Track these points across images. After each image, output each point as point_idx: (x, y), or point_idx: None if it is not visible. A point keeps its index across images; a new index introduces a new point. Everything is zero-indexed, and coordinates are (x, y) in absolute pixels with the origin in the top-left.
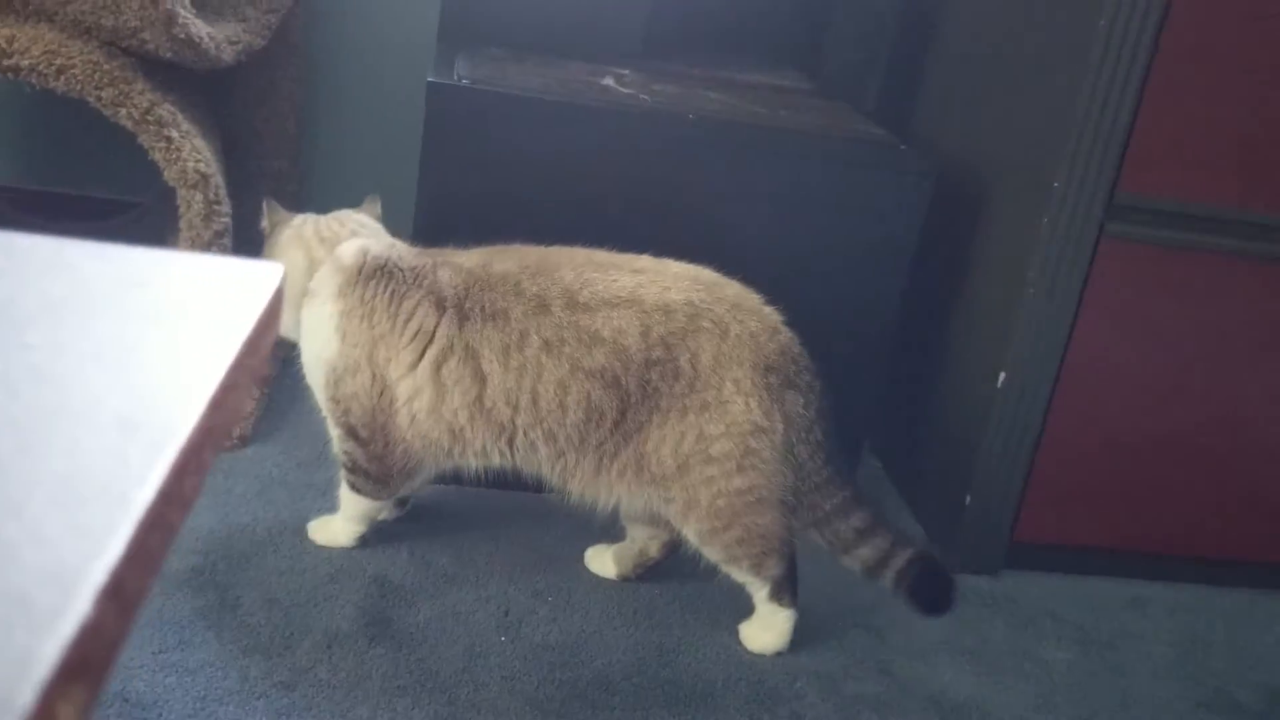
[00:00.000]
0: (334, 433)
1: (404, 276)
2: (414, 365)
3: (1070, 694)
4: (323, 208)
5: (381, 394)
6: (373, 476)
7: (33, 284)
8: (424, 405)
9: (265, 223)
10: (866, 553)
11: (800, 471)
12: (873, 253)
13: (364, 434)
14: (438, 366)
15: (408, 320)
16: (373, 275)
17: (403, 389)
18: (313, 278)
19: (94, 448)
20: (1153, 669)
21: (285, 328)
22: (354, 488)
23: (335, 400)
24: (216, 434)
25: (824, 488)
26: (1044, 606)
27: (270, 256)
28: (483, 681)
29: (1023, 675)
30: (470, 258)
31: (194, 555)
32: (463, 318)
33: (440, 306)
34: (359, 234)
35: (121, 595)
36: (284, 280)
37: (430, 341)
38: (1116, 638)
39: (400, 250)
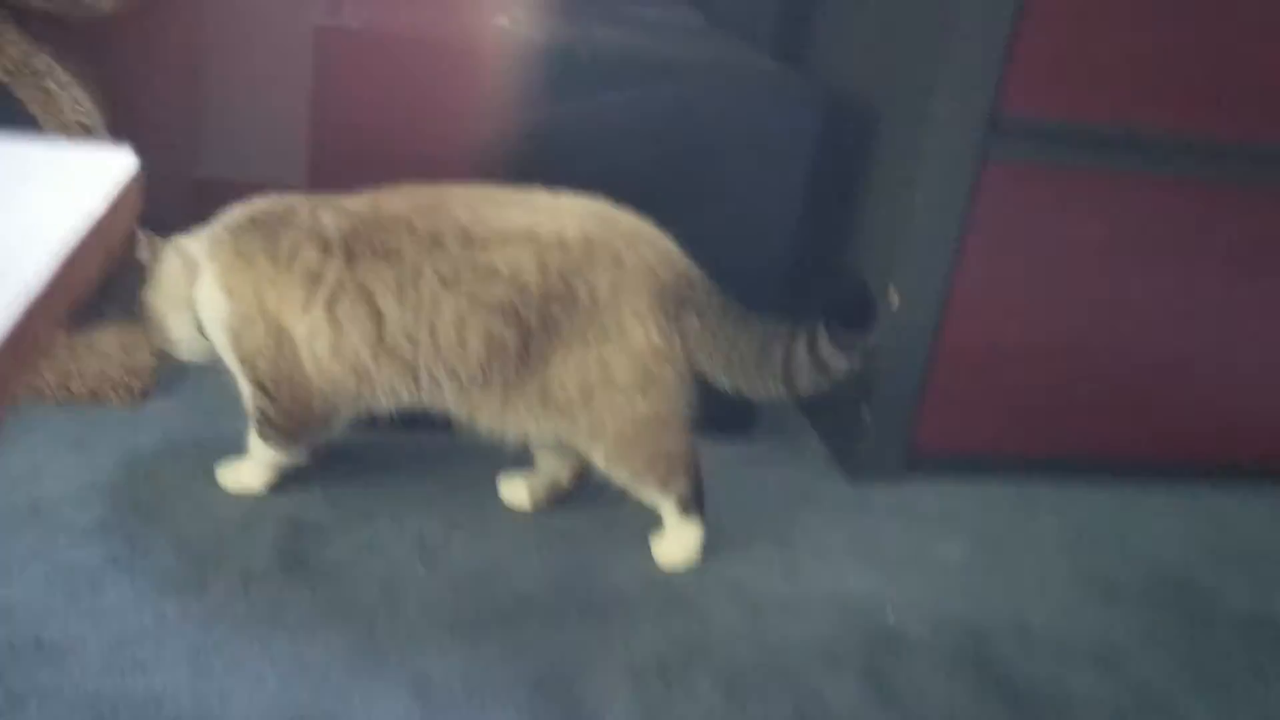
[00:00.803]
0: (246, 390)
1: (277, 219)
2: (306, 305)
3: (965, 587)
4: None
5: (280, 341)
6: (284, 430)
7: None
8: (324, 346)
9: (145, 253)
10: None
11: (734, 368)
12: (766, 182)
13: (272, 389)
14: (330, 306)
15: (290, 260)
16: (243, 227)
17: (300, 331)
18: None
19: None
20: (1041, 561)
21: (186, 342)
22: (266, 440)
23: (242, 360)
24: (67, 292)
25: (760, 360)
26: (941, 510)
27: (152, 284)
28: (402, 610)
29: (920, 572)
30: (356, 200)
31: (100, 505)
32: (351, 256)
33: (325, 247)
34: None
35: None
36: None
37: (319, 281)
38: (1008, 535)
39: (270, 199)
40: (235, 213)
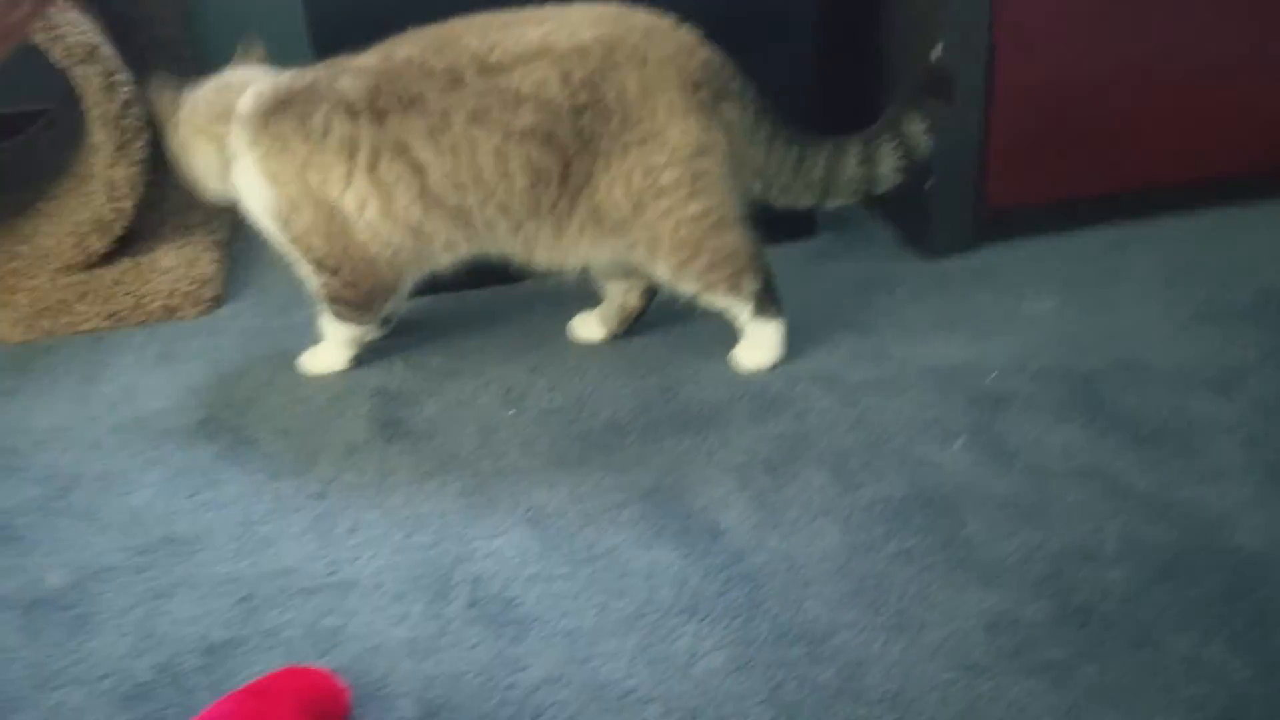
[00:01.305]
0: (306, 270)
1: (303, 97)
2: (348, 176)
3: (1063, 335)
4: (220, 68)
5: (330, 217)
6: (353, 303)
7: None
8: (375, 212)
9: (155, 106)
10: (890, 158)
11: (769, 169)
12: None
13: (332, 264)
14: (371, 170)
15: (324, 135)
16: (272, 110)
17: (349, 203)
18: (227, 148)
19: None
20: (1140, 297)
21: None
22: (339, 316)
23: (295, 241)
24: None
25: (800, 165)
26: (1024, 269)
27: (178, 153)
28: (501, 452)
29: (1014, 332)
30: (369, 57)
31: (199, 410)
32: (379, 116)
33: (353, 113)
34: (250, 86)
35: None
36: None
37: (355, 149)
38: (1100, 279)
39: (291, 76)
40: (262, 89)
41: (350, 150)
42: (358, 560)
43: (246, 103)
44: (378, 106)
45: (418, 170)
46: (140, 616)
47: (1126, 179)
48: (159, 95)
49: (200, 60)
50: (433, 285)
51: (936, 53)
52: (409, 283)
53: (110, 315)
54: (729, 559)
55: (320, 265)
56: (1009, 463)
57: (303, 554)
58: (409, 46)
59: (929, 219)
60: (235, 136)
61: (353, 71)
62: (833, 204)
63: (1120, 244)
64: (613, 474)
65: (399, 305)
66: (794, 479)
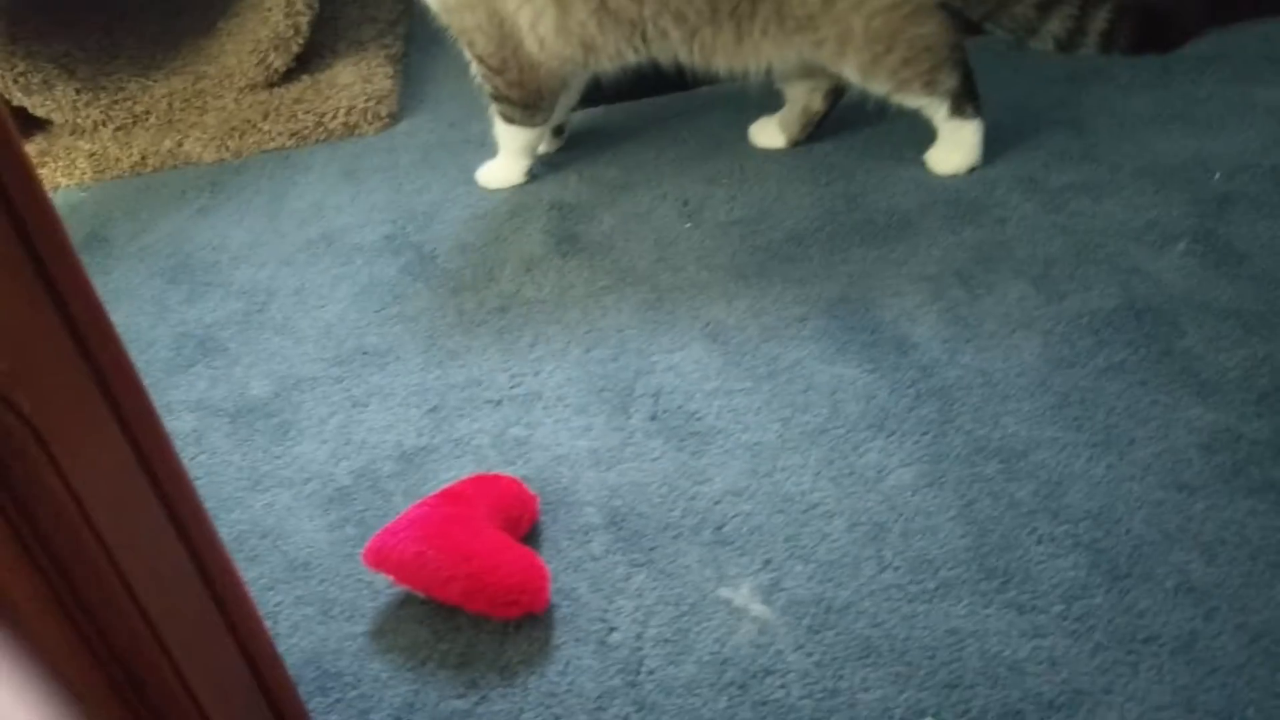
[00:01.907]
0: (472, 62)
1: None
2: None
3: None
4: None
5: (501, 24)
6: (518, 103)
7: None
8: (549, 27)
9: None
10: (1056, 26)
11: None
12: None
13: (496, 64)
14: None
15: None
16: None
17: (524, 16)
18: None
19: None
20: None
21: None
22: (507, 119)
23: (459, 31)
24: None
25: None
26: (1257, 53)
27: None
28: (678, 265)
29: (1243, 124)
30: None
31: (382, 225)
32: None
33: None
34: None
35: None
36: None
37: None
38: None
39: None
40: None
41: None
42: (540, 374)
43: None
44: None
45: None
46: (339, 424)
47: None
48: None
49: None
50: (605, 95)
51: None
52: (574, 87)
53: (294, 134)
54: (920, 373)
55: (483, 63)
56: (1234, 269)
57: (487, 367)
58: None
59: (1148, 13)
60: None
61: None
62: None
63: None
64: (795, 287)
65: (568, 115)
66: (991, 290)
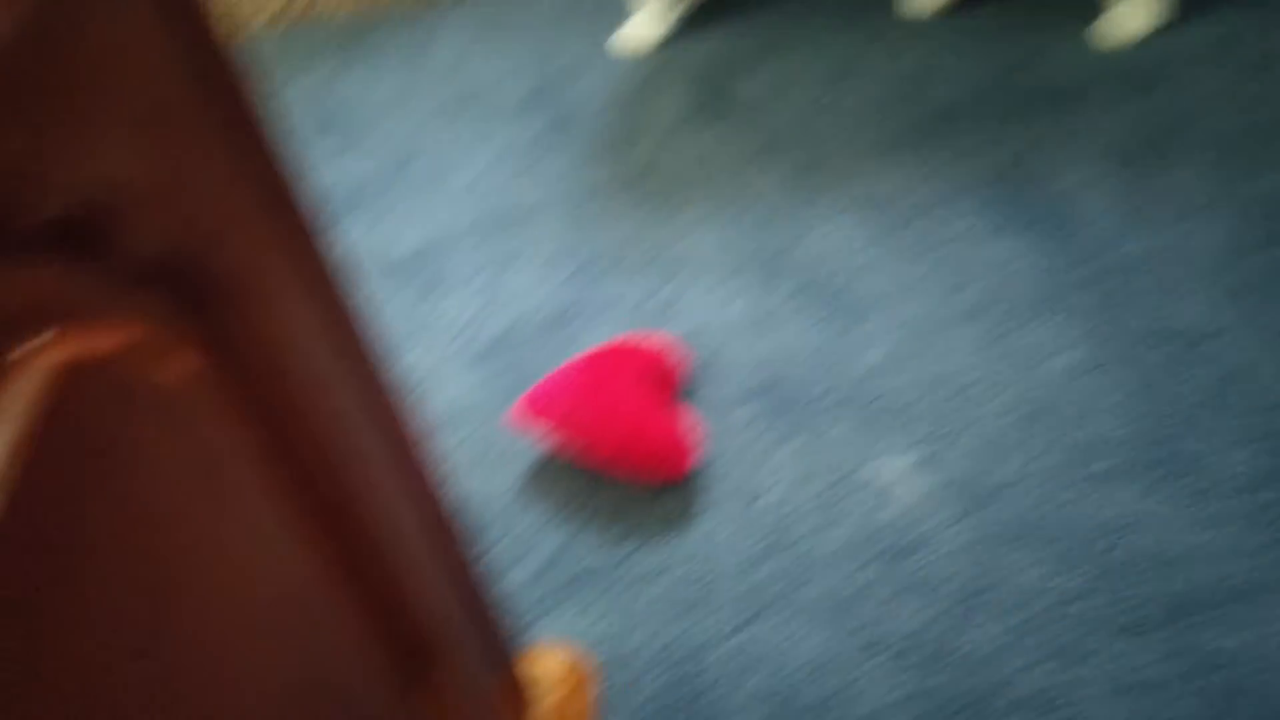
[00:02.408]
0: None
1: None
2: None
3: None
4: None
5: None
6: None
7: None
8: None
9: None
10: None
11: None
12: None
13: None
14: None
15: None
16: None
17: None
18: None
19: None
20: None
21: None
22: None
23: None
24: None
25: None
26: None
27: None
28: (829, 132)
29: None
30: None
31: (520, 84)
32: None
33: None
34: None
35: None
36: None
37: None
38: None
39: None
40: None
41: None
42: (685, 239)
43: None
44: None
45: None
46: (483, 282)
47: None
48: None
49: None
50: None
51: None
52: None
53: None
54: (1087, 252)
55: None
56: None
57: (631, 231)
58: None
59: None
60: None
61: None
62: None
63: None
64: (953, 159)
65: None
66: (1171, 166)
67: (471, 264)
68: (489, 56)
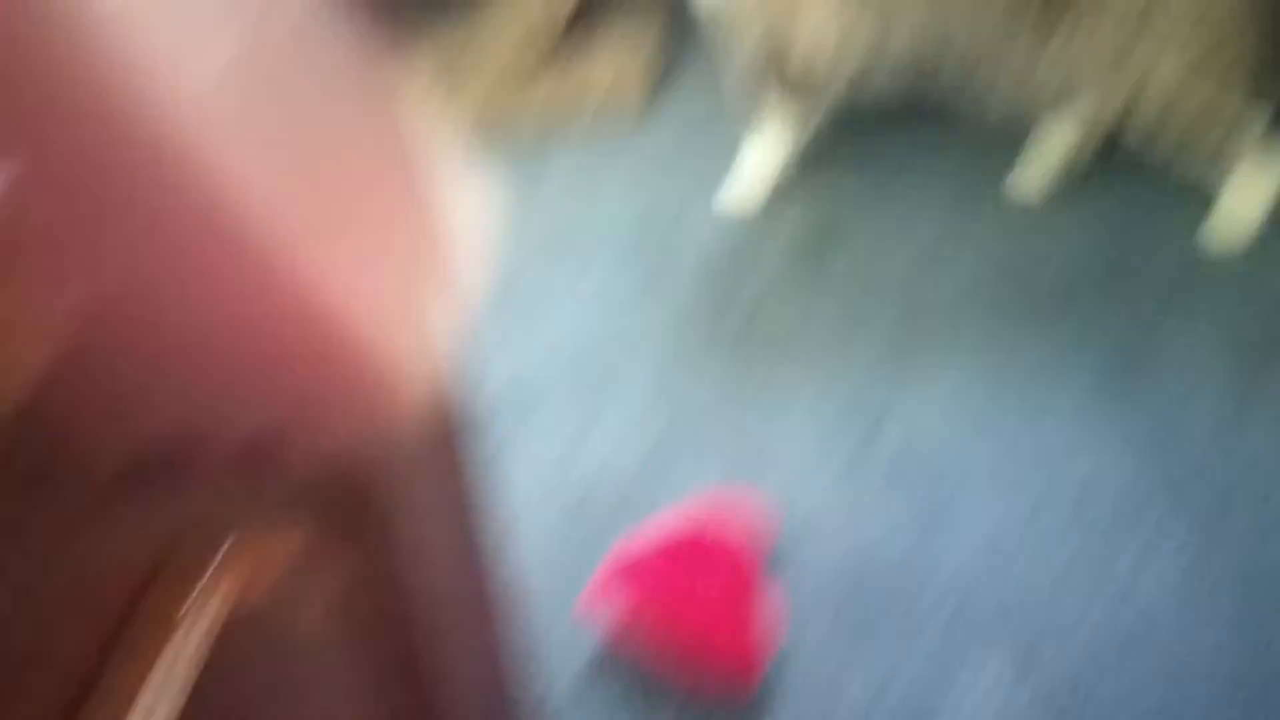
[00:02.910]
0: (739, 51)
1: None
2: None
3: None
4: None
5: (778, 29)
6: (788, 83)
7: None
8: (837, 29)
9: None
10: None
11: None
12: None
13: (771, 45)
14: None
15: None
16: None
17: (818, 14)
18: None
19: None
20: None
21: None
22: (778, 94)
23: (736, 14)
24: None
25: None
26: None
27: None
28: (931, 299)
29: None
30: None
31: (623, 229)
32: None
33: None
34: None
35: None
36: None
37: None
38: None
39: None
40: None
41: None
42: (777, 404)
43: None
44: None
45: None
46: (569, 435)
47: None
48: None
49: None
50: (865, 116)
51: None
52: (842, 85)
53: (547, 113)
54: (1190, 466)
55: (759, 44)
56: None
57: (722, 393)
58: None
59: None
60: None
61: None
62: None
63: None
64: (1058, 344)
65: (820, 133)
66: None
67: (557, 410)
68: (597, 196)
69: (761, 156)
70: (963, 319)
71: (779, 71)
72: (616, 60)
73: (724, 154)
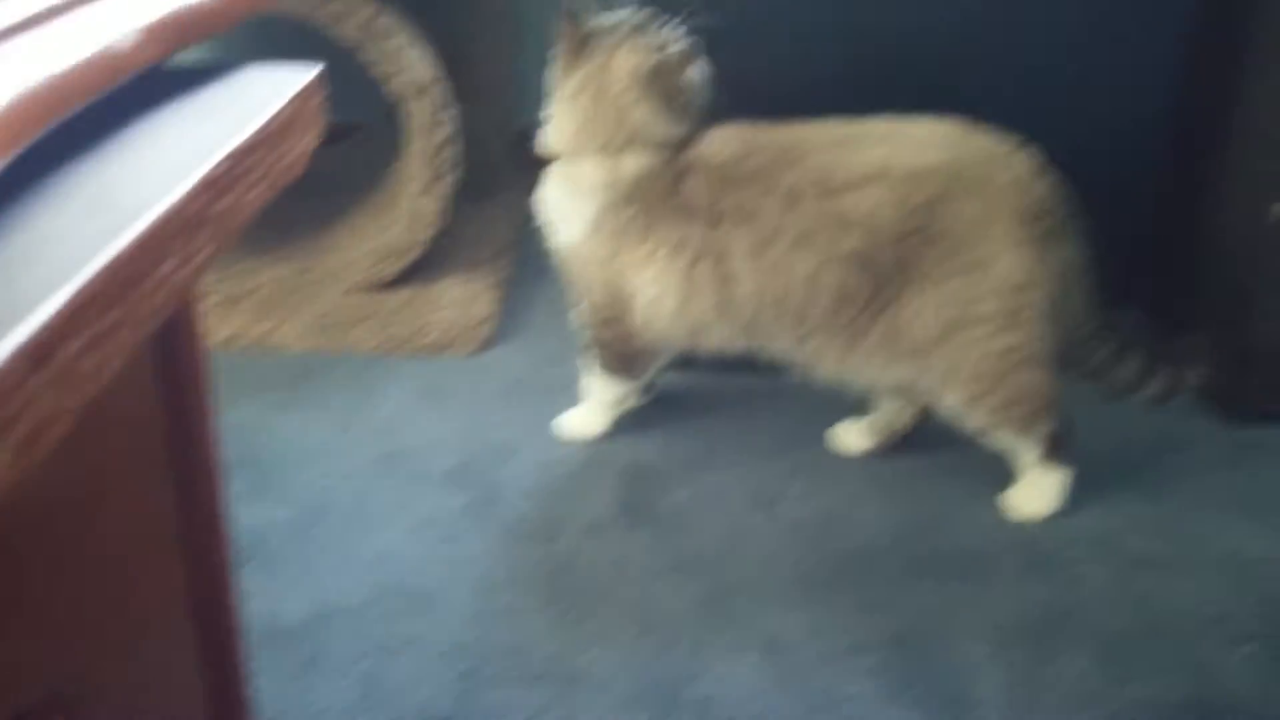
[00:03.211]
0: (579, 306)
1: (660, 189)
2: (662, 274)
3: None
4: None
5: (623, 288)
6: (619, 355)
7: None
8: (670, 306)
9: (574, 38)
10: (1156, 387)
11: (1071, 323)
12: (1130, 83)
13: (600, 316)
14: (687, 272)
15: (658, 226)
16: (635, 191)
17: (649, 289)
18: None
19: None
20: None
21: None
22: (604, 365)
23: (574, 279)
24: (214, 218)
25: (1094, 338)
26: None
27: (571, 94)
28: (745, 559)
29: None
30: (723, 146)
31: (455, 455)
32: (714, 221)
33: (691, 214)
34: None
35: (49, 361)
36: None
37: (681, 250)
38: None
39: (659, 155)
40: (646, 163)
41: (678, 250)
42: (587, 653)
43: (630, 165)
44: (715, 211)
45: (728, 280)
46: (367, 669)
47: None
48: (580, 29)
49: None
50: (698, 362)
51: (1276, 212)
52: (673, 353)
53: (386, 341)
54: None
55: (594, 312)
56: None
57: (533, 633)
58: (762, 155)
59: (1244, 382)
60: (601, 180)
61: (704, 170)
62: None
63: None
64: (859, 611)
65: (661, 374)
66: (1058, 656)
67: (359, 645)
68: (429, 419)
69: (598, 396)
70: (774, 577)
71: (614, 331)
72: (464, 290)
73: (562, 389)
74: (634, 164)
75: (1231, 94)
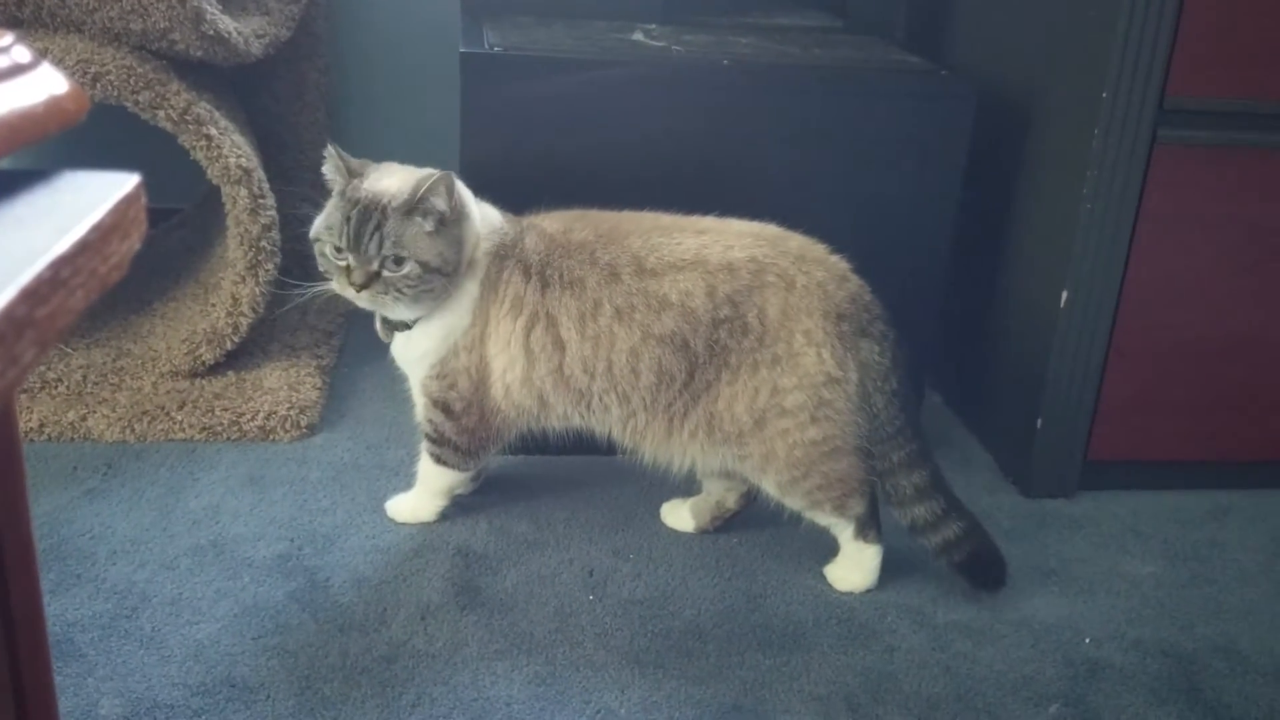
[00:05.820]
0: (424, 409)
1: (507, 250)
2: (509, 337)
3: (1162, 606)
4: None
5: (481, 368)
6: (460, 449)
7: None
8: (517, 375)
9: (334, 172)
10: (920, 512)
11: (874, 420)
12: (921, 183)
13: (459, 408)
14: (527, 334)
15: (505, 288)
16: (496, 254)
17: (499, 362)
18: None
19: None
20: (1241, 575)
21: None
22: (439, 460)
23: (441, 376)
24: (36, 323)
25: (895, 438)
26: (1125, 524)
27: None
28: (576, 640)
29: (1112, 592)
30: (552, 222)
31: (279, 542)
32: (545, 284)
33: (528, 273)
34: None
35: None
36: None
37: (521, 309)
38: (1201, 548)
39: (502, 221)
40: (506, 233)
41: (517, 311)
42: None
43: (494, 234)
44: (546, 275)
45: (559, 346)
46: None
47: (1237, 447)
48: (342, 156)
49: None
50: (528, 445)
51: (1063, 300)
52: (513, 437)
53: (206, 428)
54: None
55: (446, 408)
56: None
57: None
58: (585, 229)
59: (1032, 459)
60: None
61: (537, 232)
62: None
63: (1222, 512)
64: (689, 685)
65: (491, 460)
66: None
67: None
68: (252, 507)
69: (431, 484)
70: (606, 655)
71: (473, 418)
72: (287, 375)
73: (390, 474)
74: (494, 229)
75: (1010, 203)
